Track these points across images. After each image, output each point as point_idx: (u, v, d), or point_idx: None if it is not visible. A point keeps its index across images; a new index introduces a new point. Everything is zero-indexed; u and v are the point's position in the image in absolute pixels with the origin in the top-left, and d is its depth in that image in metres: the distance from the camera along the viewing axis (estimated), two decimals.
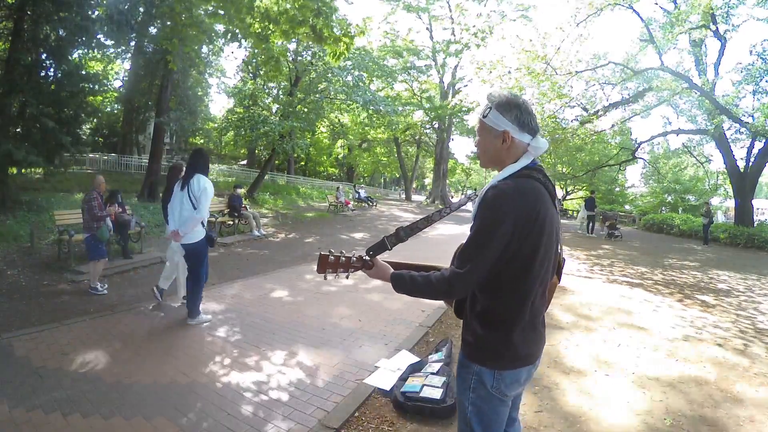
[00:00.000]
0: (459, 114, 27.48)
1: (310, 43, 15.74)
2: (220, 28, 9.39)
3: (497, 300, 1.30)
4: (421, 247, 9.49)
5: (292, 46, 16.65)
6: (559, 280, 1.56)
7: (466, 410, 1.39)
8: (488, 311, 1.32)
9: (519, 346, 1.31)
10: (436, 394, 2.78)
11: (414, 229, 1.53)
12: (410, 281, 1.36)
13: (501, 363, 1.32)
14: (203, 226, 4.17)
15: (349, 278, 1.58)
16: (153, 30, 12.71)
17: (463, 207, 1.71)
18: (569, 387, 3.21)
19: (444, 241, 10.86)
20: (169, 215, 4.23)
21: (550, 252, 1.32)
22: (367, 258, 1.52)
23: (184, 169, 4.33)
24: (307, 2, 6.69)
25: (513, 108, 1.30)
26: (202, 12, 8.02)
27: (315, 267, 1.58)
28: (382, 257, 1.55)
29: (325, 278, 1.55)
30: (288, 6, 6.89)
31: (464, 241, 1.30)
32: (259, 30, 7.29)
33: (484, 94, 1.63)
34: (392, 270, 1.46)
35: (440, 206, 26.37)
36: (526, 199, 1.23)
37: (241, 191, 11.38)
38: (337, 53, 7.42)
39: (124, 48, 16.83)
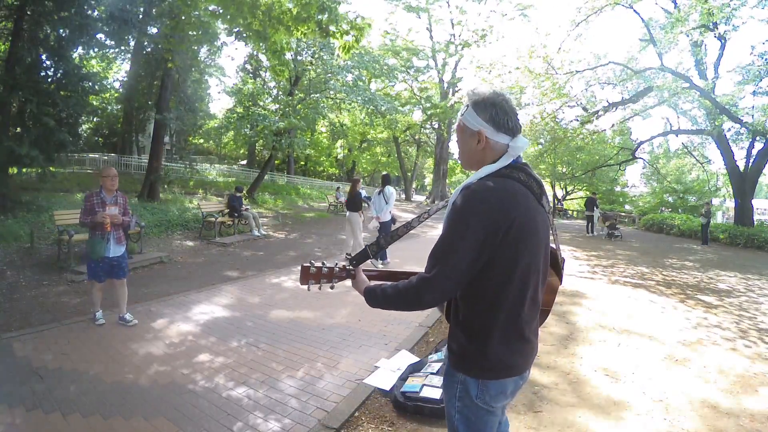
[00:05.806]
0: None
1: (310, 42, 15.75)
2: (220, 27, 9.36)
3: (477, 309, 1.22)
4: (420, 248, 9.48)
5: (292, 44, 16.63)
6: (561, 281, 1.52)
7: (453, 419, 1.33)
8: (469, 320, 1.25)
9: (503, 356, 1.23)
10: (436, 394, 2.78)
11: (394, 236, 1.49)
12: (381, 294, 1.30)
13: (484, 373, 1.25)
14: (390, 214, 7.28)
15: (333, 288, 1.54)
16: (153, 30, 12.68)
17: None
18: (569, 387, 3.21)
19: None
20: (372, 208, 7.43)
21: (535, 258, 1.22)
22: (351, 268, 1.49)
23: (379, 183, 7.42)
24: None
25: (488, 107, 1.24)
26: (203, 11, 7.99)
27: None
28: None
29: (308, 289, 1.53)
30: (291, 5, 6.82)
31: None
32: (260, 29, 7.23)
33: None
34: (368, 283, 1.40)
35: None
36: (500, 204, 1.14)
37: (241, 194, 11.39)
38: (347, 46, 7.36)
39: (124, 48, 16.78)
